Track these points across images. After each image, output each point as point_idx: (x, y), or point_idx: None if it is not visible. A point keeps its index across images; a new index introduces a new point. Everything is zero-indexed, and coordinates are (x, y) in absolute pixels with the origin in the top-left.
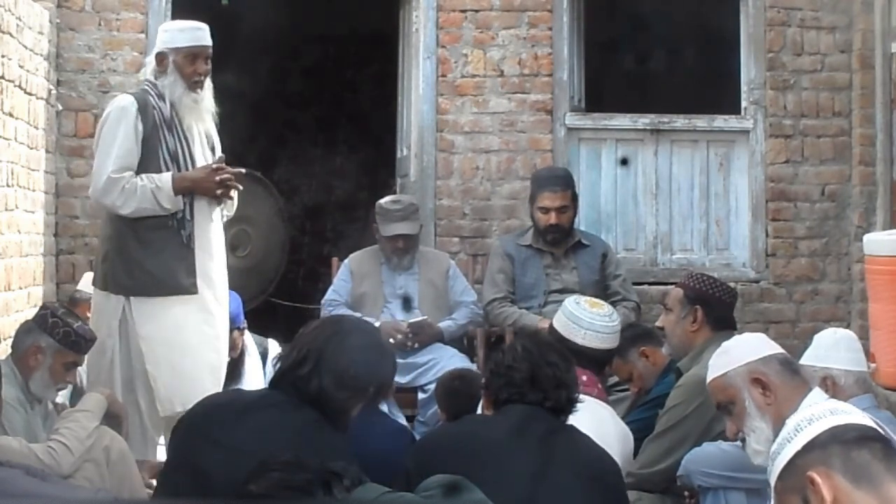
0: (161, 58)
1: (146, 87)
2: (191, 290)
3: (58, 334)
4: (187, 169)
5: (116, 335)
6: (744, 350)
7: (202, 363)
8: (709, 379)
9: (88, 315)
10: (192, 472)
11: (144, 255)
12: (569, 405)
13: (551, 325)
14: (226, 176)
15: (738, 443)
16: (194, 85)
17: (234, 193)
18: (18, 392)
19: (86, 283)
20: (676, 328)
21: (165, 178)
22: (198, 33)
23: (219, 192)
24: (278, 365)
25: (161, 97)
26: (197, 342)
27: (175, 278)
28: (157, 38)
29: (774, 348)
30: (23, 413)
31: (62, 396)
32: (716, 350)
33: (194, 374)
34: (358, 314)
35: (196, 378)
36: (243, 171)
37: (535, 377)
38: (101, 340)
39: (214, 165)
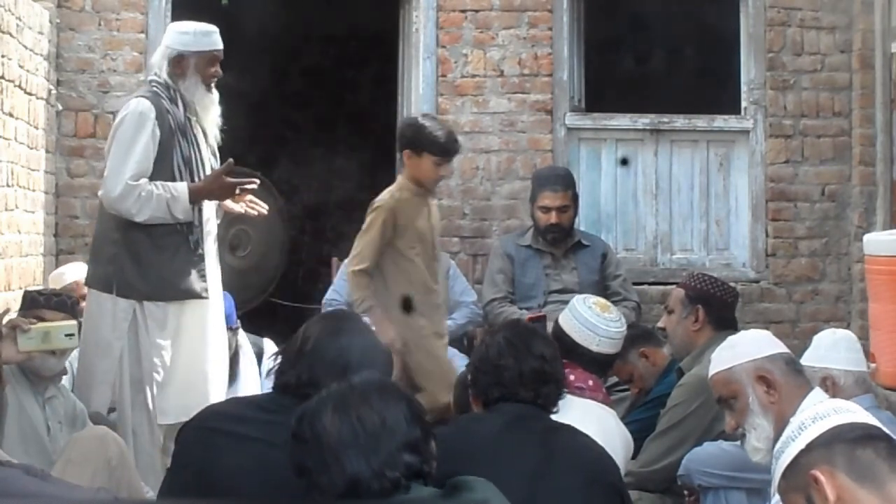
0: (179, 59)
1: (156, 90)
2: (202, 294)
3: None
4: (199, 173)
5: (125, 338)
6: (750, 346)
7: (208, 373)
8: (712, 372)
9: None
10: (198, 470)
11: (159, 260)
12: (558, 399)
13: (558, 327)
14: (239, 182)
15: (738, 442)
16: (210, 86)
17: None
18: (16, 368)
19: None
20: (678, 328)
21: (181, 188)
22: (216, 37)
23: (237, 191)
24: (276, 368)
25: (173, 101)
26: (203, 349)
27: (187, 283)
28: (170, 38)
29: (780, 347)
30: (13, 385)
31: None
32: (716, 349)
33: (199, 385)
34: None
35: (200, 389)
36: (257, 181)
37: (524, 373)
38: (108, 342)
39: (225, 170)
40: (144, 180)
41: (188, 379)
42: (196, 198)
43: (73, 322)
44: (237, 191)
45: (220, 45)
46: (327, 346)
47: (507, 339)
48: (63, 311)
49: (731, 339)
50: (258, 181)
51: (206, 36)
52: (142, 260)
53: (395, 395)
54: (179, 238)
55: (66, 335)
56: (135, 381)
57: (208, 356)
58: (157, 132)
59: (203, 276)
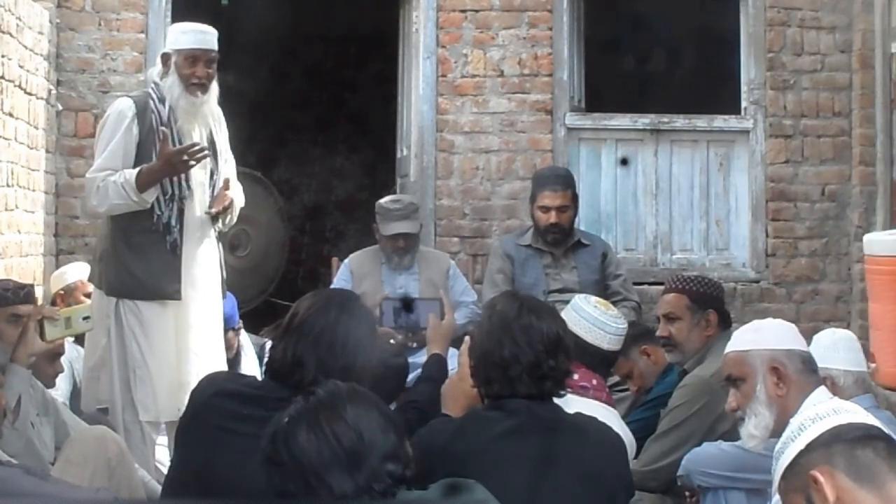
0: (165, 58)
1: (150, 89)
2: (174, 296)
3: None
4: (183, 174)
5: (112, 334)
6: (773, 335)
7: (192, 373)
8: (729, 349)
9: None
10: (198, 467)
11: (132, 259)
12: (560, 389)
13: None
14: (183, 148)
15: (737, 442)
16: (193, 88)
17: (237, 202)
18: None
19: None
20: (692, 335)
21: (132, 171)
22: (200, 36)
23: (188, 160)
24: (271, 353)
25: (161, 100)
26: (186, 350)
27: (159, 283)
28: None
29: (801, 344)
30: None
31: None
32: (719, 348)
33: (182, 385)
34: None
35: (184, 390)
36: (199, 142)
37: (523, 369)
38: (98, 336)
39: (166, 143)
40: (105, 172)
41: (167, 378)
42: (146, 178)
43: (88, 303)
44: (185, 157)
45: (203, 45)
46: (314, 322)
47: (503, 328)
48: (32, 301)
49: (757, 323)
50: (201, 143)
51: (185, 34)
52: (119, 258)
53: (364, 402)
54: (155, 238)
55: (84, 318)
56: (123, 380)
57: (191, 357)
58: (135, 130)
59: (177, 278)
